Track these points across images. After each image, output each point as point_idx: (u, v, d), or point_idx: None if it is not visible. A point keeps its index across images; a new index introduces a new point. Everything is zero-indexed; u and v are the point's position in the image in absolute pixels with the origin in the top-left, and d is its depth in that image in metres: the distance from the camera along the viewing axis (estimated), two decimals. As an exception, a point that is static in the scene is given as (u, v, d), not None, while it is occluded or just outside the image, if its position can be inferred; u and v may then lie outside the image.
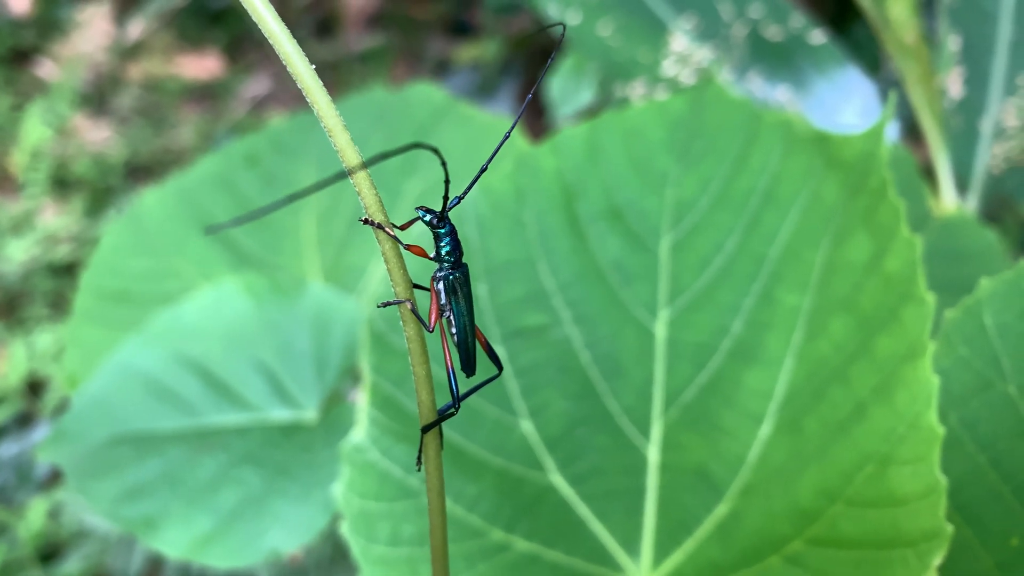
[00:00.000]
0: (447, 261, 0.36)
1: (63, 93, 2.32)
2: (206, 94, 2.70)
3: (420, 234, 0.41)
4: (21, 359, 1.80)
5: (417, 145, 0.28)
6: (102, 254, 0.89)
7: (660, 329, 0.56)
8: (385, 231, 0.30)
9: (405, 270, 0.31)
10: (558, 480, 0.54)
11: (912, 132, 1.08)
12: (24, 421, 1.69)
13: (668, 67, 0.98)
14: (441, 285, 0.37)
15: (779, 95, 0.97)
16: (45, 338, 1.79)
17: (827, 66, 0.97)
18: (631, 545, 0.53)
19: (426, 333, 0.33)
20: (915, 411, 0.42)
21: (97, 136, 2.39)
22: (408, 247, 0.33)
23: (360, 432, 0.53)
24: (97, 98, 2.49)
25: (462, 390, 0.35)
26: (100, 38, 2.50)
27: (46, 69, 2.39)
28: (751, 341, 0.53)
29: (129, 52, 2.58)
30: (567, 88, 1.58)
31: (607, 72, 0.98)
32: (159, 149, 2.47)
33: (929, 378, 0.42)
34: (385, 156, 0.28)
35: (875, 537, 0.43)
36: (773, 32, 0.97)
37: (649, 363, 0.56)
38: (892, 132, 1.01)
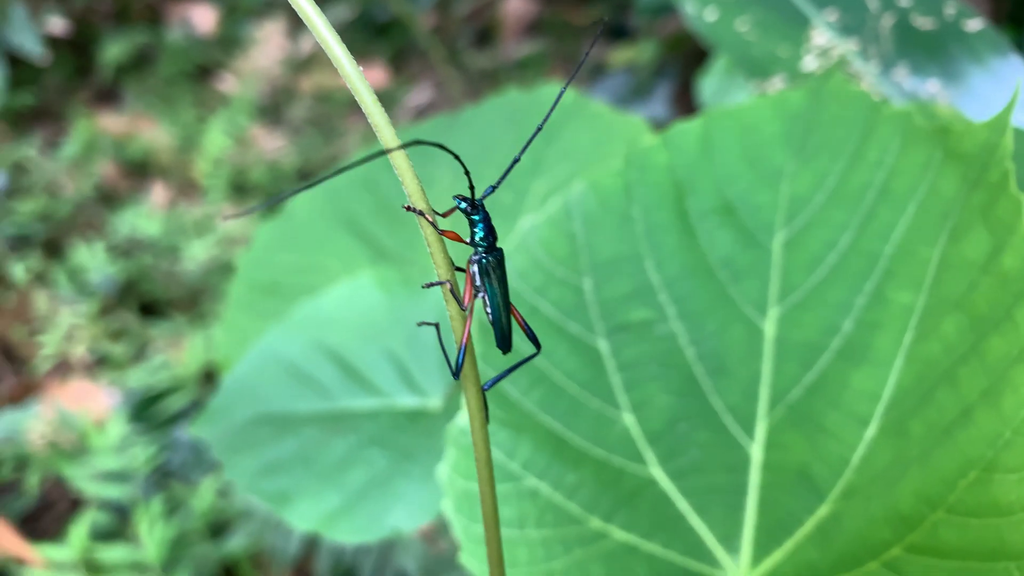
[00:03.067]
0: (481, 246, 0.39)
1: (242, 105, 2.50)
2: (371, 103, 2.83)
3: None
4: (199, 350, 1.94)
5: (419, 142, 0.30)
6: (256, 249, 0.97)
7: (769, 327, 0.55)
8: (425, 218, 0.33)
9: (446, 253, 0.33)
10: (659, 474, 0.54)
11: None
12: (200, 406, 1.83)
13: (809, 62, 0.95)
14: (475, 268, 0.39)
15: (930, 88, 0.92)
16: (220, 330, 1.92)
17: (985, 55, 0.91)
18: (730, 542, 0.52)
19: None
20: (1022, 416, 0.39)
21: (272, 145, 2.56)
22: (443, 232, 0.35)
23: (465, 417, 0.55)
24: (272, 109, 2.67)
25: (501, 368, 0.37)
26: (276, 52, 2.68)
27: (227, 83, 2.59)
28: (861, 341, 0.51)
29: (301, 65, 2.75)
30: (720, 87, 1.56)
31: (744, 69, 0.96)
32: (328, 156, 2.61)
33: (1041, 381, 0.40)
34: (416, 143, 0.30)
35: (977, 548, 0.40)
36: (924, 21, 0.92)
37: (756, 361, 0.55)
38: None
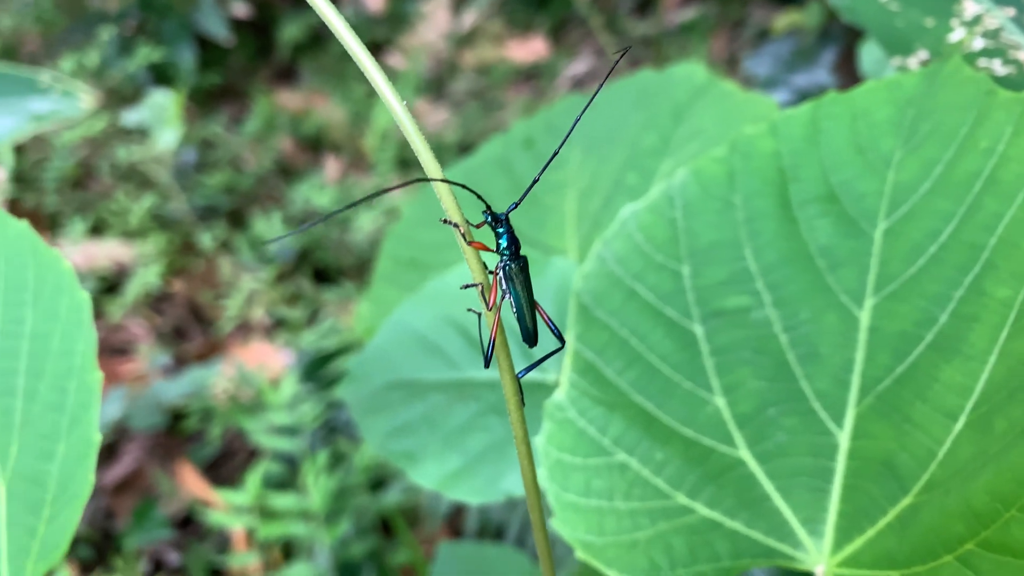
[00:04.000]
0: (505, 254, 0.44)
1: (408, 80, 2.61)
2: (531, 75, 2.88)
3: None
4: (366, 315, 2.06)
5: (449, 182, 0.34)
6: (401, 226, 1.04)
7: (865, 316, 0.55)
8: (459, 230, 0.37)
9: (480, 260, 0.37)
10: (746, 455, 0.56)
11: None
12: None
13: (957, 34, 0.90)
14: (501, 273, 0.44)
15: (1094, 58, 0.85)
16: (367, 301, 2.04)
17: None
18: (813, 526, 0.53)
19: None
20: (1098, 418, 0.38)
21: (436, 118, 2.65)
22: (471, 243, 0.39)
23: (561, 393, 0.59)
24: (436, 83, 2.76)
25: (527, 361, 0.41)
26: (440, 27, 2.77)
27: (395, 59, 2.70)
28: (955, 334, 0.50)
29: (464, 40, 2.84)
30: (881, 56, 1.49)
31: (885, 44, 0.93)
32: (488, 128, 2.67)
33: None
34: (446, 181, 0.33)
35: (1048, 547, 0.40)
36: (1088, -13, 0.86)
37: (850, 350, 0.55)
38: None
